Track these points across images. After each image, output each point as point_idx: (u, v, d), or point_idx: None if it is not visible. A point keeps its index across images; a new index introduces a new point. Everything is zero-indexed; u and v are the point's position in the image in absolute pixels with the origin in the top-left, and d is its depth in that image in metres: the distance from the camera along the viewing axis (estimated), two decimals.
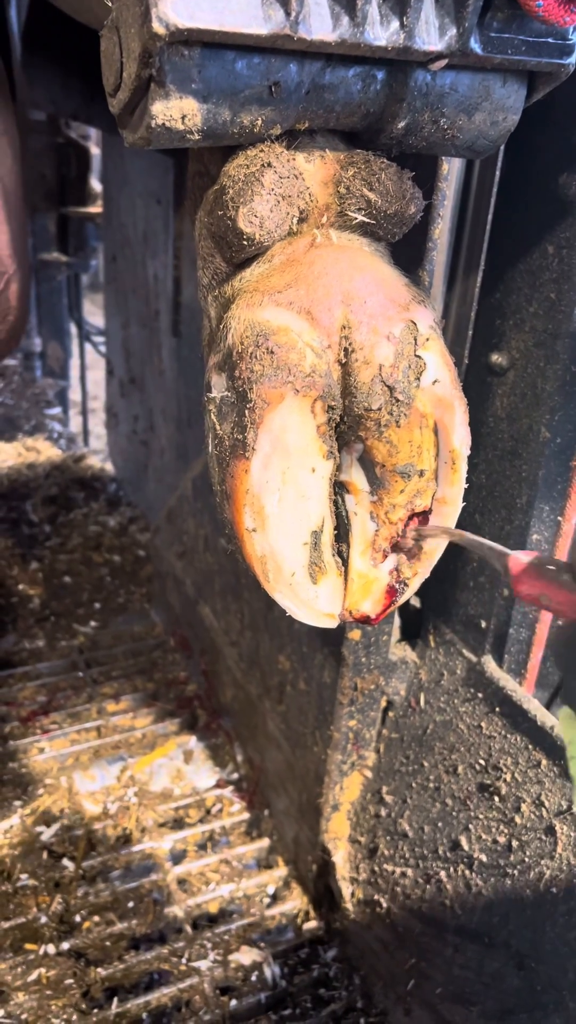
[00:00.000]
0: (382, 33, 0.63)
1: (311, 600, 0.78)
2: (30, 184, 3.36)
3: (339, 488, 0.79)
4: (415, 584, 0.82)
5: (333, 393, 0.72)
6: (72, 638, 2.24)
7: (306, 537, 0.76)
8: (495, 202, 1.06)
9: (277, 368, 0.68)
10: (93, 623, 2.31)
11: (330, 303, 0.70)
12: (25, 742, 1.87)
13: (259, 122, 0.67)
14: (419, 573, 0.82)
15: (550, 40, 0.69)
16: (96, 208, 3.19)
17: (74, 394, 4.25)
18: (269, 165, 0.69)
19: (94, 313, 4.81)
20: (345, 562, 0.80)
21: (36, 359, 3.87)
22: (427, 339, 0.73)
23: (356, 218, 0.74)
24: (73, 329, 3.97)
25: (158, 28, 0.56)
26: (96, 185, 3.18)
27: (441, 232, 1.00)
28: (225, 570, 1.82)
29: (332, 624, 0.81)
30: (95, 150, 3.13)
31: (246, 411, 0.69)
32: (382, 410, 0.73)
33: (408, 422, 0.74)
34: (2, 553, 2.55)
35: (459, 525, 1.26)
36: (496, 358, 1.13)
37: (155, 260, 2.29)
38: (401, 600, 0.83)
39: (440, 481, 0.78)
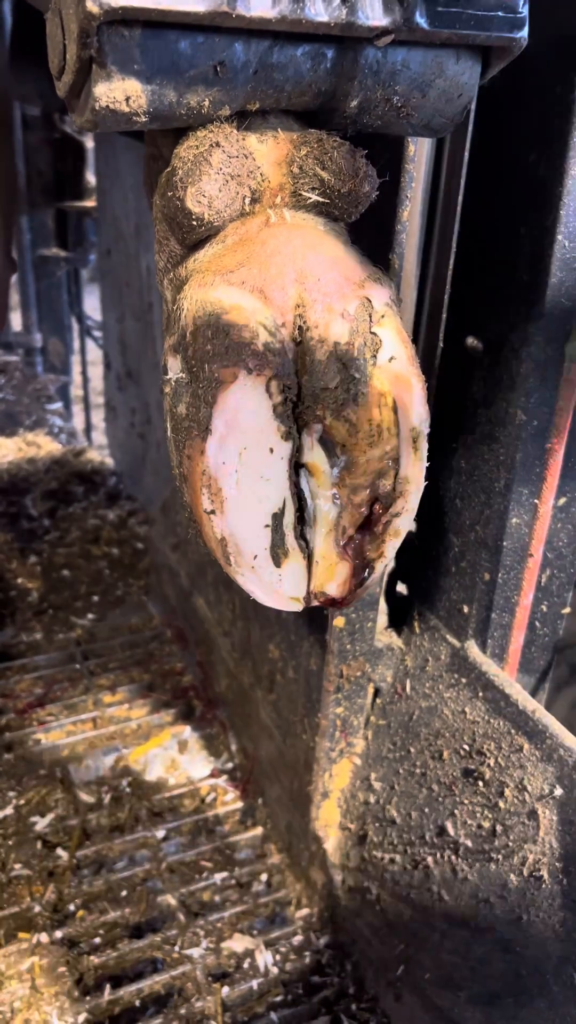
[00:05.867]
0: (323, 9, 0.62)
1: (274, 583, 0.78)
2: (30, 181, 3.37)
3: (301, 470, 0.79)
4: (381, 566, 0.82)
5: (288, 372, 0.72)
6: (70, 631, 2.25)
7: (267, 519, 0.76)
8: (466, 183, 1.05)
9: (229, 347, 0.68)
10: (91, 616, 2.32)
11: (283, 281, 0.70)
12: (21, 733, 1.88)
13: (206, 103, 0.67)
14: (384, 554, 0.82)
15: (500, 13, 0.68)
16: (92, 202, 3.20)
17: (77, 389, 4.26)
18: (218, 145, 0.69)
19: (96, 308, 4.81)
20: (309, 544, 0.80)
21: (37, 355, 3.88)
22: (382, 316, 0.73)
23: (310, 198, 0.74)
24: (74, 324, 3.98)
25: (92, 7, 0.56)
26: (92, 179, 3.19)
27: (411, 215, 1.00)
28: (216, 561, 1.83)
29: (297, 607, 0.81)
30: (90, 144, 3.14)
31: (200, 391, 0.69)
32: (339, 388, 0.73)
33: (366, 400, 0.74)
34: (1, 547, 2.56)
35: (439, 510, 1.26)
36: (472, 342, 1.12)
37: (148, 253, 2.30)
38: (369, 582, 0.83)
39: (402, 461, 0.78)
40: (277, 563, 0.77)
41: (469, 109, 0.78)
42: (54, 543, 2.61)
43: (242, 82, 0.67)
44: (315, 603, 0.82)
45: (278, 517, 0.76)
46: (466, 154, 1.02)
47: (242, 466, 0.72)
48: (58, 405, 3.64)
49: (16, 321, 4.05)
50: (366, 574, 0.82)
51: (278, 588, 0.79)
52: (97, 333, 3.90)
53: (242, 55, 0.65)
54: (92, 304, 4.30)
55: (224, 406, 0.69)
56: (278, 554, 0.77)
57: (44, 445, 3.24)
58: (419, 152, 0.98)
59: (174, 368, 0.72)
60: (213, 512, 0.73)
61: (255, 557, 0.76)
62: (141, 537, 2.65)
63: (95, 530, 2.67)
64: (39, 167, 3.27)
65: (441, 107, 0.75)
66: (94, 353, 4.04)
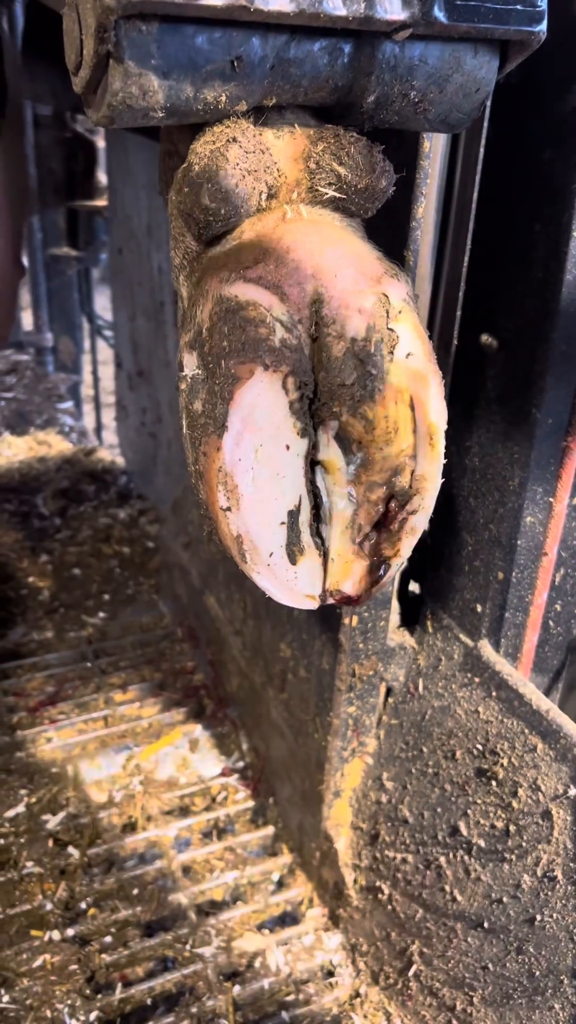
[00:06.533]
0: (341, 3, 0.62)
1: (290, 581, 0.78)
2: (42, 180, 3.38)
3: (317, 467, 0.78)
4: (396, 564, 0.82)
5: (305, 368, 0.71)
6: (81, 629, 2.25)
7: (283, 517, 0.75)
8: (481, 180, 1.04)
9: (246, 343, 0.68)
10: (102, 614, 2.33)
11: (300, 277, 0.70)
12: (33, 732, 1.88)
13: (223, 98, 0.67)
14: (400, 552, 0.81)
15: (518, 7, 0.68)
16: (103, 201, 3.20)
17: (88, 388, 4.27)
18: (234, 140, 0.69)
19: (106, 307, 4.82)
20: (324, 542, 0.80)
21: (48, 354, 3.89)
22: (400, 312, 0.72)
23: (327, 193, 0.73)
24: (85, 323, 3.98)
25: (109, 1, 0.56)
26: (104, 178, 3.19)
27: (426, 211, 0.99)
28: (228, 559, 1.83)
29: (313, 605, 0.81)
30: (101, 143, 3.14)
31: (216, 388, 0.69)
32: (355, 385, 0.72)
33: (383, 397, 0.73)
34: (12, 546, 2.57)
35: (454, 509, 1.26)
36: (486, 339, 1.12)
37: (159, 252, 2.30)
38: (384, 580, 0.82)
39: (419, 458, 0.77)
40: (293, 560, 0.77)
41: (486, 104, 0.77)
42: (65, 542, 2.61)
43: (259, 77, 0.67)
44: (330, 601, 0.82)
45: (294, 514, 0.76)
46: (481, 150, 1.02)
47: (258, 463, 0.72)
48: (69, 404, 3.65)
49: (27, 320, 4.07)
50: (382, 572, 0.82)
51: (293, 586, 0.78)
52: (108, 332, 3.90)
53: (259, 50, 0.65)
54: (103, 303, 4.31)
55: (240, 403, 0.69)
56: (294, 551, 0.77)
57: (55, 444, 3.25)
58: (434, 148, 0.97)
59: (190, 365, 0.72)
60: (229, 509, 0.72)
61: (271, 555, 0.76)
62: (152, 536, 2.66)
63: (106, 529, 2.68)
64: (50, 166, 3.28)
65: (458, 102, 0.75)
66: (105, 352, 4.05)
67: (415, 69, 0.71)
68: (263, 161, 0.71)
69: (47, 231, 3.58)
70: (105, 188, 3.17)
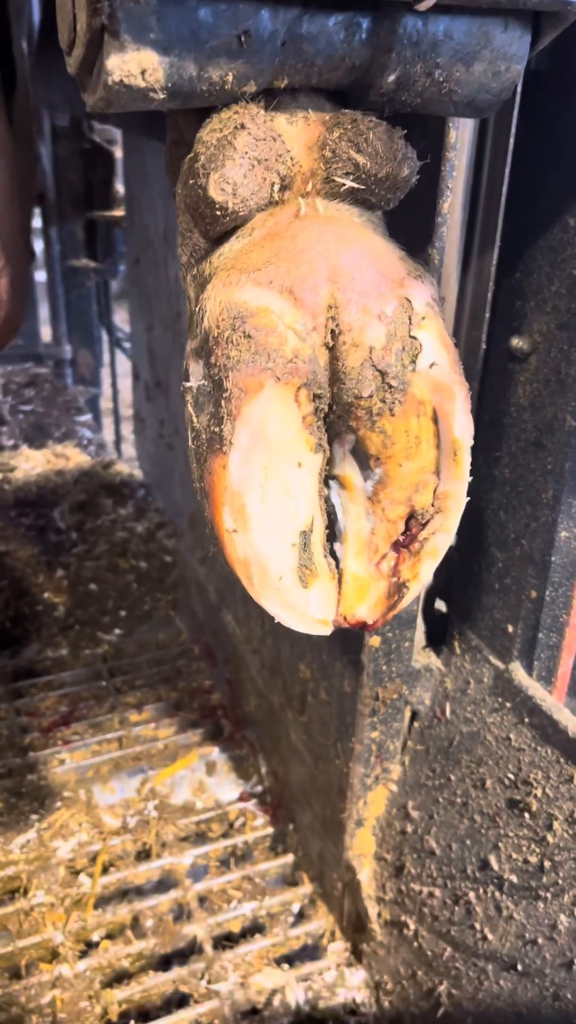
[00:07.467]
0: None
1: (301, 605, 0.72)
2: (60, 191, 3.36)
3: (332, 481, 0.72)
4: (415, 587, 0.75)
5: (319, 380, 0.65)
6: (96, 646, 2.20)
7: (294, 538, 0.69)
8: (510, 173, 0.98)
9: (255, 354, 0.62)
10: (118, 631, 2.27)
11: (315, 281, 0.64)
12: (45, 753, 1.82)
13: (230, 77, 0.61)
14: (419, 575, 0.75)
15: None
16: (122, 211, 3.17)
17: (107, 401, 4.24)
18: (243, 127, 0.63)
19: (126, 319, 4.80)
20: (339, 563, 0.73)
21: (67, 367, 3.86)
22: (423, 318, 0.66)
23: (344, 184, 0.67)
24: (104, 336, 3.95)
25: None
26: (121, 189, 3.16)
27: (452, 206, 0.93)
28: None
29: (326, 631, 0.74)
30: (119, 153, 3.11)
31: (222, 401, 0.63)
32: (374, 397, 0.66)
33: (403, 410, 0.67)
34: (28, 561, 2.52)
35: (483, 524, 1.19)
36: (517, 342, 1.05)
37: (176, 261, 2.25)
38: (402, 604, 0.76)
39: (442, 475, 0.71)
40: (305, 584, 0.71)
41: (516, 86, 0.71)
42: (81, 556, 2.56)
43: (269, 54, 0.61)
44: (344, 625, 0.75)
45: (306, 535, 0.69)
46: (511, 140, 0.95)
47: (268, 481, 0.66)
48: (87, 417, 3.61)
49: (46, 333, 4.04)
50: (399, 596, 0.75)
51: (304, 610, 0.72)
52: (127, 344, 3.87)
53: (269, 24, 0.59)
54: (122, 315, 4.28)
55: (248, 418, 0.63)
56: (305, 574, 0.70)
57: (73, 457, 3.20)
58: (461, 139, 0.91)
59: (196, 374, 0.66)
60: (235, 531, 0.66)
61: (280, 578, 0.70)
62: (169, 550, 2.60)
63: (123, 543, 2.63)
64: (68, 177, 3.25)
65: (487, 82, 0.68)
66: (124, 364, 4.02)
67: (439, 45, 0.65)
68: (275, 149, 0.65)
69: (65, 242, 3.55)
70: (123, 198, 3.14)
